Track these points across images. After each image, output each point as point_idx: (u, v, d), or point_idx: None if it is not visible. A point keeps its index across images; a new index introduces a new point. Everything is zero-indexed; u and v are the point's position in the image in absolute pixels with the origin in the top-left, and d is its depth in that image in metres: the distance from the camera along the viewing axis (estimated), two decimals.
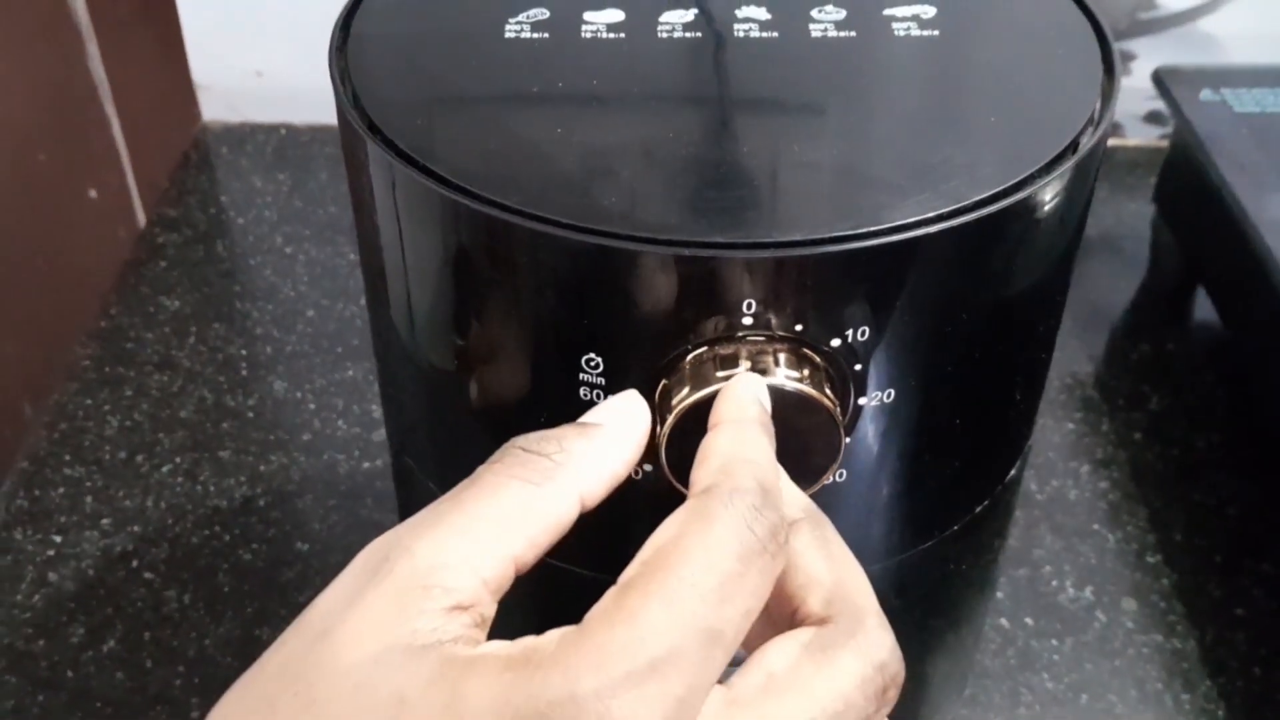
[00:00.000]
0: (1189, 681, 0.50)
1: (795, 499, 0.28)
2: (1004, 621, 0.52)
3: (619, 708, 0.22)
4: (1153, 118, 0.78)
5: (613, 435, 0.28)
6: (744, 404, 0.27)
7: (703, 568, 0.24)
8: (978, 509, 0.36)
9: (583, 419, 0.28)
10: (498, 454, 0.27)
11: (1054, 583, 0.54)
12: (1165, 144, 0.69)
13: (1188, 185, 0.63)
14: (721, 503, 0.25)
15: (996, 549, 0.41)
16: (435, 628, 0.24)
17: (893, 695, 0.26)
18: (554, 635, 0.24)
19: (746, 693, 0.25)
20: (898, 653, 0.26)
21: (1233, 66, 0.66)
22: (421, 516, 0.26)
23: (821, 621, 0.26)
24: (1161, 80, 0.64)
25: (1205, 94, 0.63)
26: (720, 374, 0.28)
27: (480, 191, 0.29)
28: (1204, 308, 0.66)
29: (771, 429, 0.28)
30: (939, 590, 0.39)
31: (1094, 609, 0.53)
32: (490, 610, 0.25)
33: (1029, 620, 0.52)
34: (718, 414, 0.27)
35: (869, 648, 0.26)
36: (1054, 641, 0.52)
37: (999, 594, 0.53)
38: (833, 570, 0.27)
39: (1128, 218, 0.72)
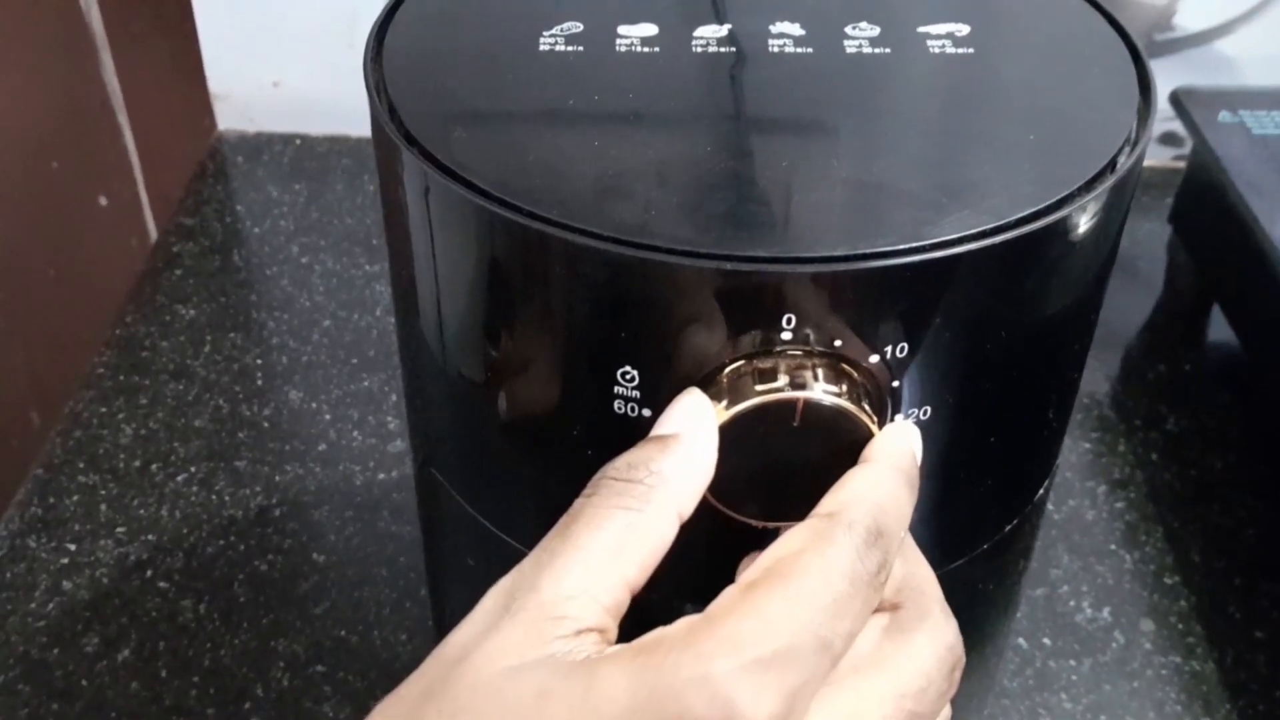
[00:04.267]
0: (1208, 704, 0.50)
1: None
2: (1021, 642, 0.52)
3: (746, 689, 0.24)
4: (1168, 139, 0.78)
5: (691, 445, 0.28)
6: (893, 451, 0.29)
7: (821, 582, 0.26)
8: (1007, 528, 0.36)
9: (658, 430, 0.29)
10: (591, 487, 0.28)
11: (1071, 603, 0.54)
12: (1181, 165, 0.69)
13: (1205, 206, 0.63)
14: (841, 529, 0.27)
15: (1021, 569, 0.41)
16: (570, 650, 0.25)
17: (958, 676, 0.29)
18: (681, 624, 0.25)
19: (837, 673, 0.26)
20: (960, 636, 0.29)
21: (1251, 88, 0.66)
22: (538, 555, 0.27)
23: (893, 608, 0.29)
24: (1180, 101, 0.64)
25: (1223, 115, 0.63)
26: (759, 388, 0.28)
27: (518, 203, 0.28)
28: (1220, 328, 0.66)
29: (915, 480, 0.29)
30: (964, 609, 0.38)
31: (1112, 629, 0.53)
32: (614, 633, 0.26)
33: (1047, 640, 0.52)
34: (869, 450, 0.29)
35: (939, 630, 0.29)
36: (1072, 662, 0.51)
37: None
38: (903, 564, 0.29)
39: (1143, 238, 0.72)
